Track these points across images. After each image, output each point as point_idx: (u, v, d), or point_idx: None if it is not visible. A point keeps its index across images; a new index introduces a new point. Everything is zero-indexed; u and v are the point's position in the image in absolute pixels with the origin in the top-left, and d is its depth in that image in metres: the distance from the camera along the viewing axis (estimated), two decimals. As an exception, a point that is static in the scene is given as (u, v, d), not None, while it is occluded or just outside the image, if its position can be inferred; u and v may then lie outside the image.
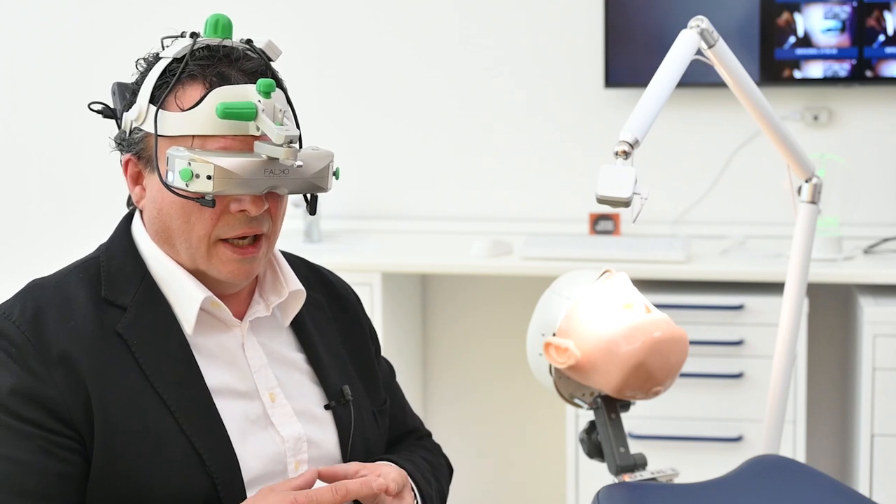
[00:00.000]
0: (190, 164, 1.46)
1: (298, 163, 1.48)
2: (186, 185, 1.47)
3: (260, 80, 1.48)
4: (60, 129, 3.82)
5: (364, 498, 1.53)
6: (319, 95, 3.69)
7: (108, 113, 1.61)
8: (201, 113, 1.49)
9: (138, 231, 1.60)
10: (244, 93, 1.49)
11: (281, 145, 1.46)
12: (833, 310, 3.44)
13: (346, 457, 1.64)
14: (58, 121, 3.82)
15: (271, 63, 1.58)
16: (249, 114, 1.47)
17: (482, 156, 3.65)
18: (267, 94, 1.48)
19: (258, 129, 1.49)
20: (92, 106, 1.60)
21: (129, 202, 1.63)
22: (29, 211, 3.89)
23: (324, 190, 1.57)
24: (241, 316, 1.62)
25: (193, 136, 1.50)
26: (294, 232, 3.53)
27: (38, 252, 3.82)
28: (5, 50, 3.86)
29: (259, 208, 1.52)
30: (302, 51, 3.68)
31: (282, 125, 1.48)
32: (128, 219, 1.63)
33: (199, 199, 1.48)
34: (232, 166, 1.46)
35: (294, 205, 3.42)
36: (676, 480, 1.94)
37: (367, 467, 1.57)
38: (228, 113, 1.47)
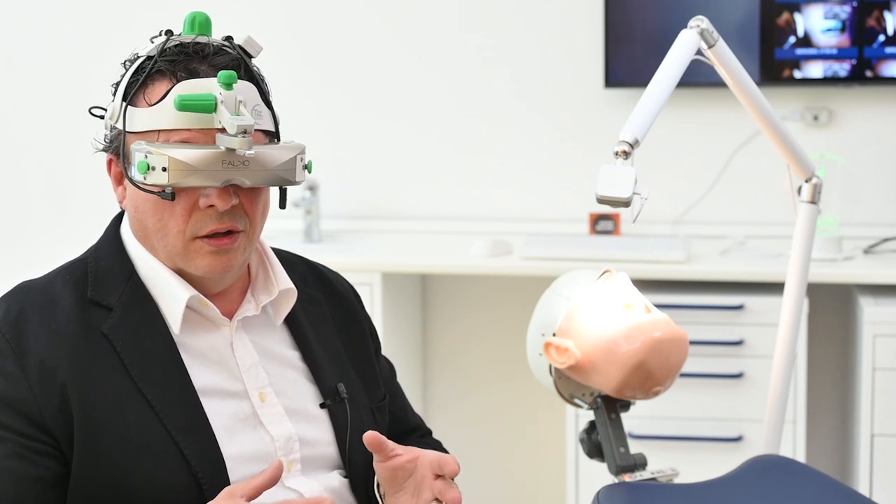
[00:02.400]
0: (146, 156, 1.46)
1: (250, 152, 1.47)
2: (144, 178, 1.47)
3: (221, 72, 1.48)
4: (60, 129, 3.82)
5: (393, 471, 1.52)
6: (319, 96, 3.69)
7: None
8: (165, 107, 1.49)
9: (126, 232, 1.60)
10: (207, 86, 1.49)
11: (235, 135, 1.45)
12: (833, 310, 3.44)
13: (344, 455, 1.63)
14: (58, 121, 3.82)
15: (251, 59, 1.58)
16: (208, 105, 1.47)
17: (482, 156, 3.65)
18: (228, 86, 1.47)
19: (220, 122, 1.48)
20: (93, 111, 1.61)
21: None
22: (29, 211, 3.89)
23: (292, 183, 1.55)
24: (233, 315, 1.61)
25: (159, 130, 1.50)
26: (294, 232, 3.53)
27: (39, 252, 3.82)
28: (5, 50, 3.86)
29: (226, 202, 1.51)
30: (301, 51, 3.68)
31: (238, 115, 1.47)
32: (117, 220, 1.64)
33: (160, 192, 1.48)
34: (187, 157, 1.46)
35: (294, 204, 3.44)
36: (676, 480, 1.94)
37: (402, 449, 1.54)
38: (185, 105, 1.46)
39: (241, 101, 1.48)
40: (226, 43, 1.57)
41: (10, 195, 3.90)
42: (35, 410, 1.46)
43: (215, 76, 1.50)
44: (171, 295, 1.56)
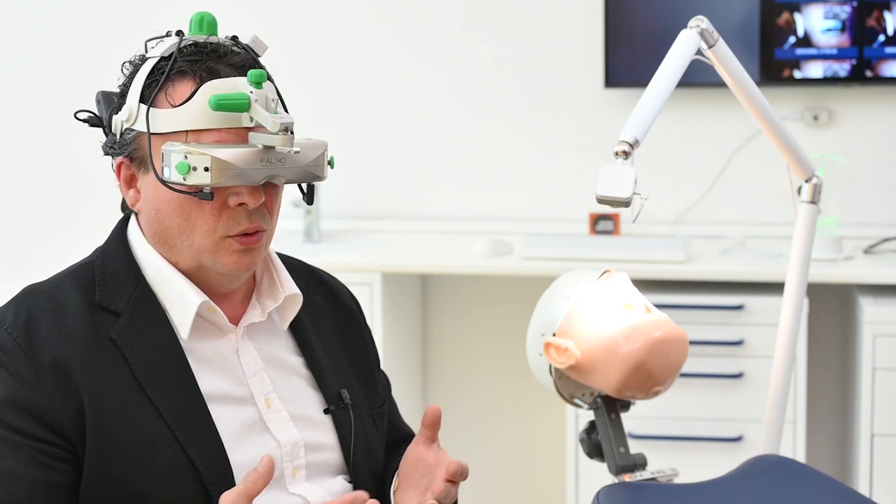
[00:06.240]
0: (186, 157, 1.45)
1: (296, 149, 1.48)
2: (184, 179, 1.46)
3: (251, 71, 1.48)
4: (61, 130, 3.82)
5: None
6: (319, 95, 3.69)
7: (94, 121, 1.60)
8: (193, 107, 1.49)
9: (134, 235, 1.59)
10: (235, 85, 1.49)
11: (276, 133, 1.46)
12: (833, 310, 3.44)
13: (349, 461, 1.63)
14: (58, 122, 3.82)
15: (258, 58, 1.58)
16: (243, 104, 1.47)
17: (482, 156, 3.65)
18: (258, 85, 1.48)
19: (251, 119, 1.48)
20: (78, 115, 1.60)
21: (124, 207, 1.62)
22: (30, 214, 3.89)
23: (320, 179, 1.55)
24: (237, 320, 1.61)
25: (187, 131, 1.49)
26: (294, 232, 3.52)
27: (41, 254, 3.82)
28: (4, 50, 3.86)
29: (257, 200, 1.51)
30: (302, 50, 3.68)
31: (275, 113, 1.48)
32: (123, 223, 1.62)
33: (197, 192, 1.48)
34: (229, 157, 1.46)
35: (294, 204, 3.43)
36: (676, 480, 1.94)
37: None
38: (222, 104, 1.46)
39: (273, 100, 1.50)
40: (234, 43, 1.57)
41: (10, 197, 3.89)
42: (52, 414, 1.46)
43: (235, 75, 1.51)
44: (181, 300, 1.55)
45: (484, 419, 3.71)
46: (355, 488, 1.63)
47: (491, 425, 3.70)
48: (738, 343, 3.09)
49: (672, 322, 1.93)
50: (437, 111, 3.66)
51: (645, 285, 3.03)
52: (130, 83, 1.55)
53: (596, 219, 3.48)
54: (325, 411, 1.64)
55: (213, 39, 1.55)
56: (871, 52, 3.32)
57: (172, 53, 1.52)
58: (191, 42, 1.53)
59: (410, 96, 3.66)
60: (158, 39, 1.56)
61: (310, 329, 1.68)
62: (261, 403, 1.58)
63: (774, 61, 3.37)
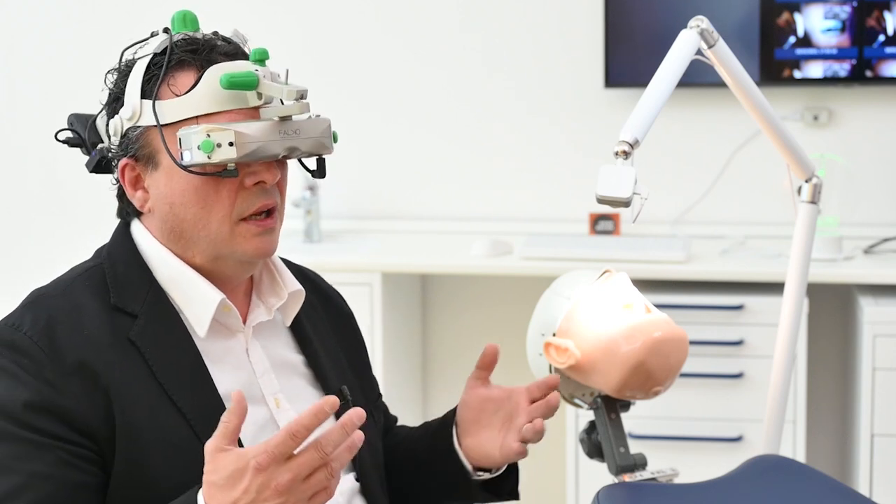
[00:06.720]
0: (209, 135, 1.46)
1: (316, 113, 1.50)
2: (209, 157, 1.46)
3: (254, 49, 1.51)
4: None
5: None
6: (319, 95, 3.68)
7: (75, 141, 1.60)
8: (200, 93, 1.50)
9: (141, 237, 1.58)
10: (238, 66, 1.51)
11: (291, 102, 1.48)
12: (833, 310, 3.44)
13: (354, 457, 1.63)
14: (58, 122, 3.80)
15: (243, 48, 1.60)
16: (252, 81, 1.48)
17: (482, 156, 3.65)
18: (262, 62, 1.51)
19: (259, 96, 1.50)
20: (58, 136, 1.60)
21: (120, 213, 1.62)
22: (30, 214, 3.89)
23: (330, 151, 1.57)
24: (243, 319, 1.60)
25: (197, 116, 1.50)
26: (294, 232, 3.52)
27: (40, 254, 3.82)
28: (4, 50, 3.86)
29: (275, 176, 1.52)
30: (302, 50, 3.68)
31: (287, 84, 1.50)
32: (125, 226, 1.61)
33: (222, 171, 1.48)
34: (252, 130, 1.47)
35: (293, 205, 3.44)
36: (676, 480, 1.94)
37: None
38: (234, 82, 1.47)
39: (279, 75, 1.52)
40: (217, 36, 1.58)
41: (10, 197, 3.89)
42: (78, 416, 1.45)
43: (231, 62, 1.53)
44: (199, 298, 1.55)
45: (484, 419, 3.71)
46: (361, 483, 1.64)
47: (491, 425, 3.70)
48: (738, 343, 3.09)
49: (672, 322, 1.92)
50: (437, 111, 3.66)
51: (645, 285, 3.03)
52: (124, 85, 1.55)
53: (596, 219, 3.48)
54: None
55: (197, 35, 1.56)
56: (871, 52, 3.32)
57: (166, 48, 1.53)
58: (182, 37, 1.55)
59: (410, 96, 3.66)
60: (140, 43, 1.57)
61: (308, 327, 1.68)
62: (271, 403, 1.58)
63: (774, 61, 3.37)
